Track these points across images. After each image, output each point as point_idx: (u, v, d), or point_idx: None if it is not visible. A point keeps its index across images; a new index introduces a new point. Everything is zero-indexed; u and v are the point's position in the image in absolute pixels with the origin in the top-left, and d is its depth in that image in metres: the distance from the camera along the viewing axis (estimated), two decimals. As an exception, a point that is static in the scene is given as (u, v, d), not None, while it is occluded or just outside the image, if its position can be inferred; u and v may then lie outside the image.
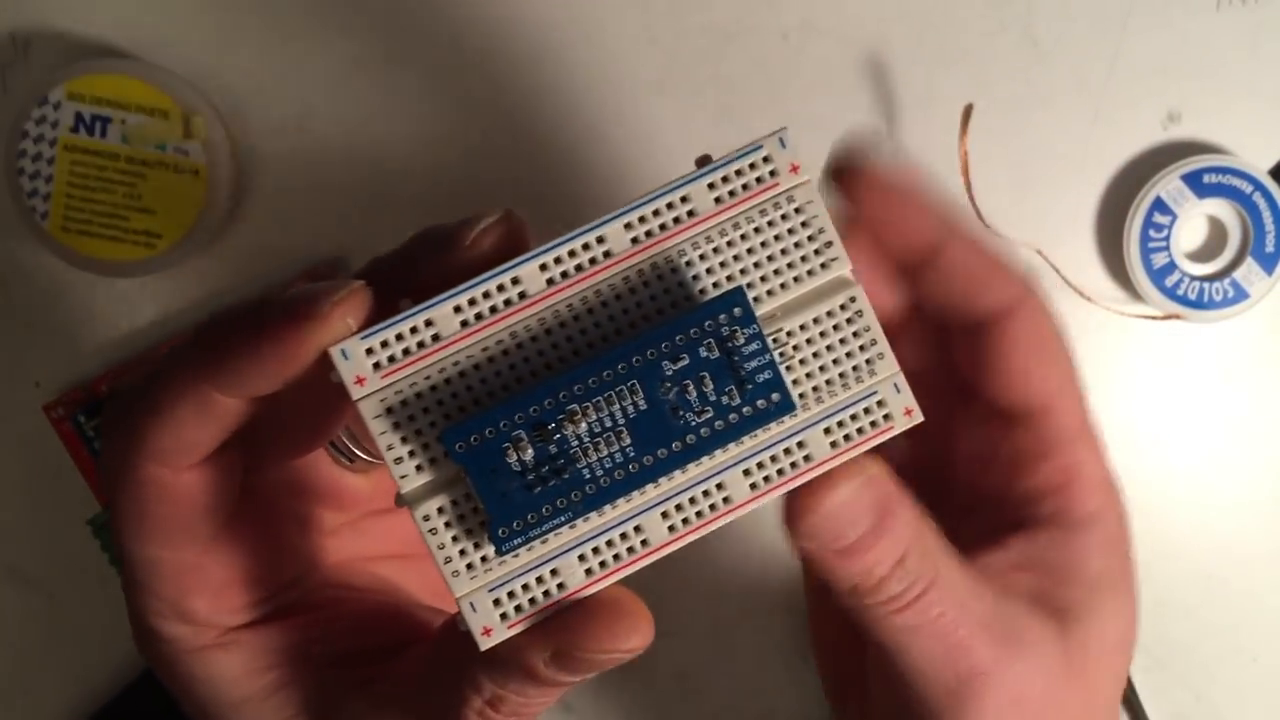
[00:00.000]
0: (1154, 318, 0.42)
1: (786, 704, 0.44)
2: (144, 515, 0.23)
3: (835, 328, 0.22)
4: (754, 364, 0.21)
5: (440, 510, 0.21)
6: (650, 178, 0.42)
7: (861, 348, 0.22)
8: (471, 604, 0.21)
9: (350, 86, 0.42)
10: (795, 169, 0.23)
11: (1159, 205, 0.41)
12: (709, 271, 0.22)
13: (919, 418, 0.23)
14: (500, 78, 0.42)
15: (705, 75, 0.42)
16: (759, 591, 0.44)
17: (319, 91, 0.42)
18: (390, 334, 0.21)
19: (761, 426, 0.21)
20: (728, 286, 0.22)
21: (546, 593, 0.22)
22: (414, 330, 0.21)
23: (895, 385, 0.22)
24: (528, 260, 0.22)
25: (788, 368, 0.22)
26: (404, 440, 0.21)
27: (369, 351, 0.21)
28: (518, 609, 0.22)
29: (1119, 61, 0.42)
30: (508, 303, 0.21)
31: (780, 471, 0.22)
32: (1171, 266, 0.41)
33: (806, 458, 0.22)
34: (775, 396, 0.21)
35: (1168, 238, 0.41)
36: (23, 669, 0.45)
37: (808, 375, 0.22)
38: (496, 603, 0.21)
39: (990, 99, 0.41)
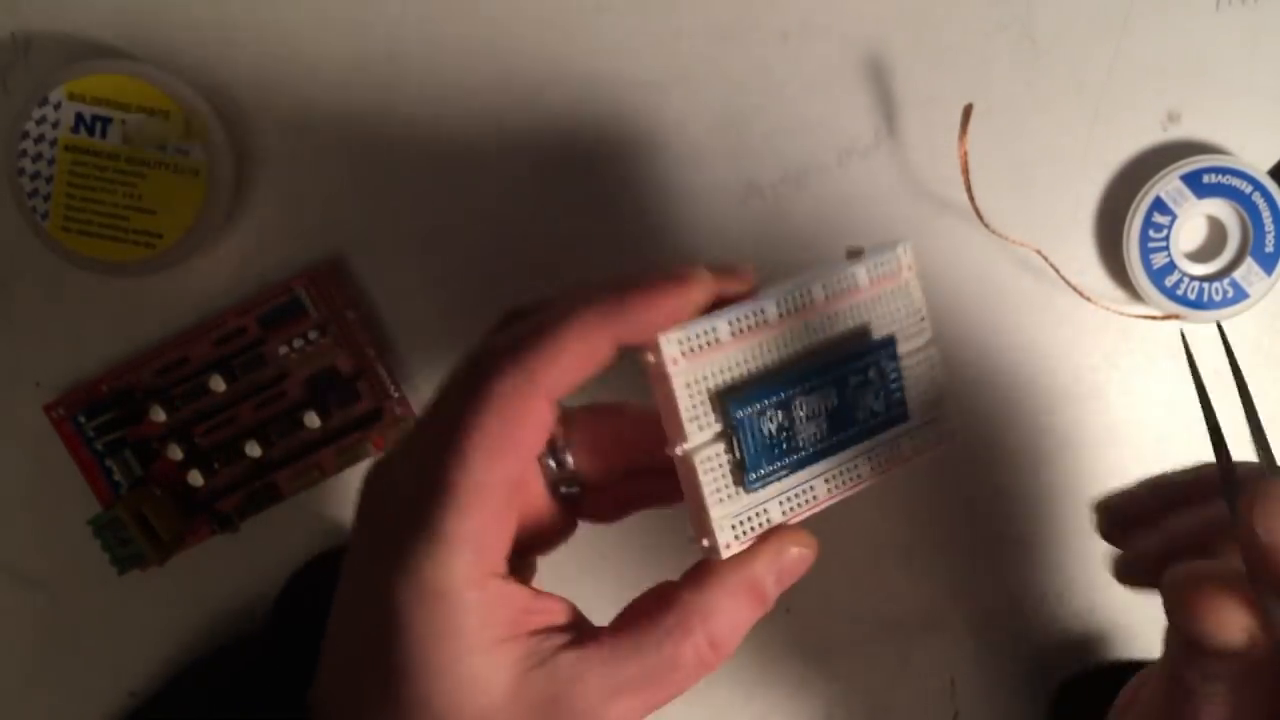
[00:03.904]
0: (1154, 318, 0.42)
1: (784, 703, 0.44)
2: (502, 434, 0.28)
3: (922, 368, 0.33)
4: (893, 384, 0.32)
5: (711, 457, 0.30)
6: (650, 176, 0.42)
7: (934, 384, 0.33)
8: (720, 526, 0.30)
9: (350, 86, 0.42)
10: (911, 268, 0.33)
11: (1159, 205, 0.41)
12: (865, 321, 0.32)
13: (957, 442, 0.33)
14: (500, 78, 0.42)
15: (705, 75, 0.42)
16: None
17: (319, 92, 0.42)
18: (692, 333, 0.29)
19: (890, 427, 0.32)
20: (883, 333, 0.32)
21: (756, 526, 0.30)
22: (704, 333, 0.29)
23: (950, 413, 0.33)
24: (769, 299, 0.31)
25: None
26: (693, 405, 0.29)
27: (678, 343, 0.29)
28: (740, 536, 0.30)
29: (1118, 62, 0.42)
30: (758, 324, 0.30)
31: (887, 460, 0.32)
32: (1171, 266, 0.41)
33: (899, 453, 0.32)
34: (900, 409, 0.32)
35: (1167, 238, 0.41)
36: (23, 668, 0.45)
37: (911, 396, 0.33)
38: (732, 528, 0.30)
39: (990, 99, 0.41)
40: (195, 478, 0.42)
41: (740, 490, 0.30)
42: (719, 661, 0.30)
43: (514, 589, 0.30)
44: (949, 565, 0.43)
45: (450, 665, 0.29)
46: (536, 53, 0.42)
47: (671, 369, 0.29)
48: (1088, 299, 0.42)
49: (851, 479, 0.32)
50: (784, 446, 0.30)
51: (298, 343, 0.42)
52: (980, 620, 0.43)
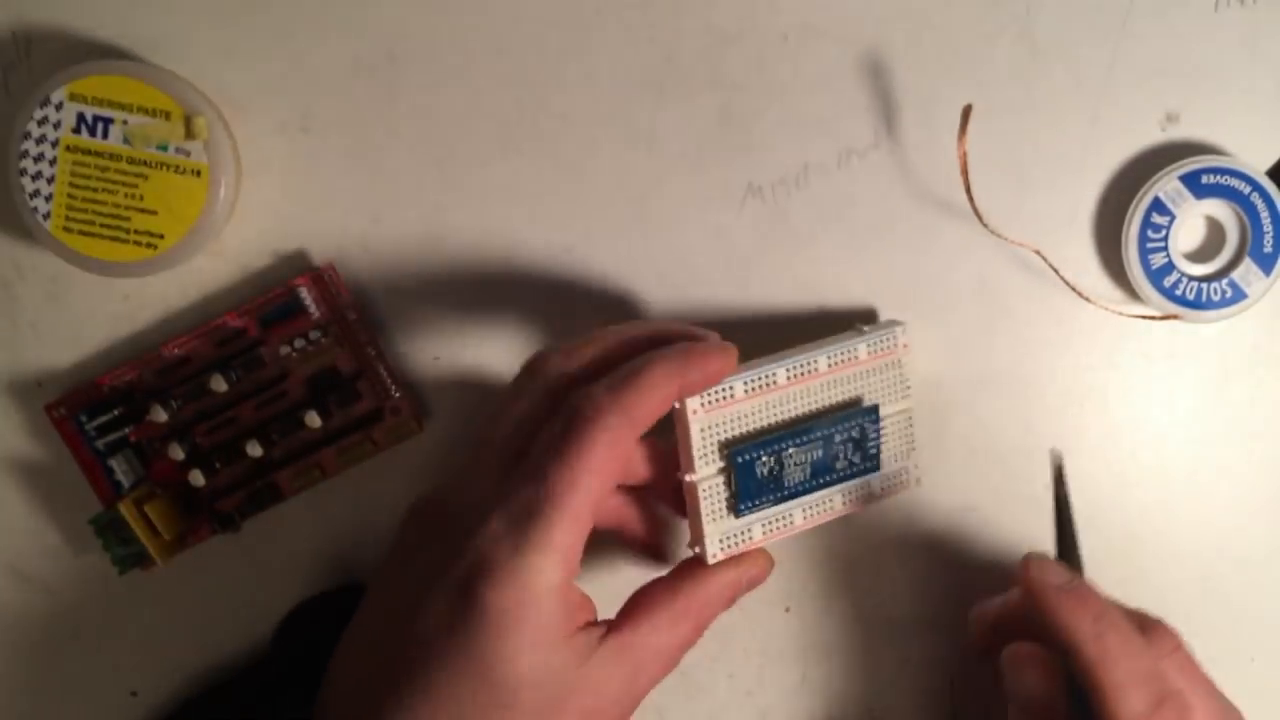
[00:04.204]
0: (1152, 318, 0.42)
1: (783, 702, 0.45)
2: (609, 457, 0.34)
3: (899, 426, 0.41)
4: (871, 442, 0.40)
5: (711, 487, 0.38)
6: (650, 177, 0.42)
7: (908, 439, 0.41)
8: (711, 539, 0.38)
9: (351, 87, 0.42)
10: (906, 346, 0.40)
11: (1157, 206, 0.41)
12: (859, 387, 0.40)
13: (923, 485, 0.42)
14: (501, 77, 0.42)
15: (705, 76, 0.42)
16: (758, 592, 0.44)
17: (320, 92, 0.42)
18: (712, 389, 0.37)
19: (862, 475, 0.40)
20: (871, 401, 0.40)
21: (740, 542, 0.38)
22: (722, 390, 0.37)
23: (915, 464, 0.42)
24: (779, 365, 0.38)
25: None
26: (704, 446, 0.37)
27: (700, 397, 0.37)
28: (725, 548, 0.38)
29: (1117, 63, 0.42)
30: (768, 385, 0.38)
31: (858, 499, 0.41)
32: (1170, 267, 0.42)
33: (870, 492, 0.41)
34: (873, 462, 0.40)
35: (1166, 238, 0.41)
36: (24, 668, 0.45)
37: (886, 449, 0.41)
38: (720, 541, 0.38)
39: (989, 100, 0.42)
40: (196, 477, 0.42)
41: (731, 515, 0.38)
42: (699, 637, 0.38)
43: (575, 590, 0.35)
44: (948, 565, 0.44)
45: (537, 659, 0.33)
46: (536, 53, 0.42)
47: (691, 417, 0.37)
48: (1086, 299, 0.42)
49: (825, 511, 0.40)
50: (771, 486, 0.38)
51: (299, 343, 0.42)
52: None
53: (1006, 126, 0.42)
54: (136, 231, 0.40)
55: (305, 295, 0.42)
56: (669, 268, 0.43)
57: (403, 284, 0.43)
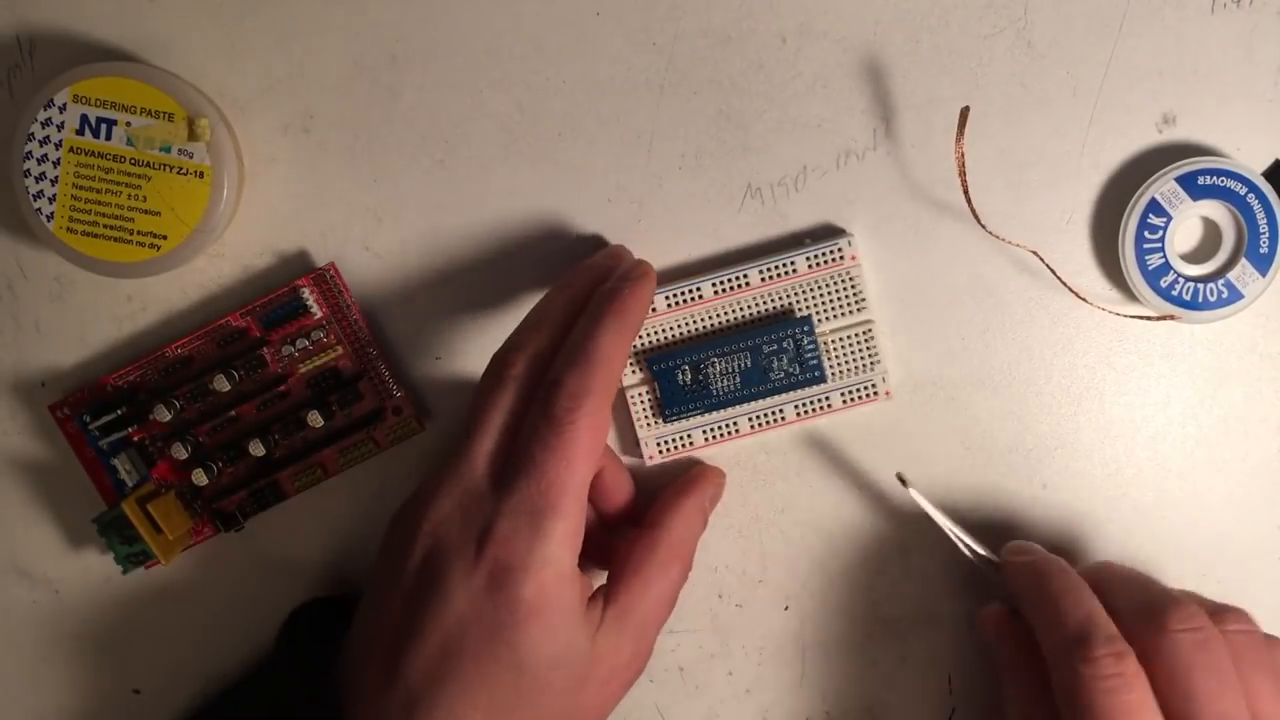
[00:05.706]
0: (1149, 318, 0.42)
1: (782, 700, 0.45)
2: (594, 437, 0.36)
3: (857, 339, 0.42)
4: (810, 354, 0.41)
5: (638, 395, 0.42)
6: (650, 178, 0.43)
7: (870, 352, 0.42)
8: (646, 443, 0.42)
9: (352, 88, 0.42)
10: (855, 258, 0.41)
11: (1154, 207, 0.41)
12: (796, 301, 0.41)
13: (893, 397, 0.42)
14: (502, 77, 0.42)
15: (704, 77, 0.42)
16: (757, 590, 0.44)
17: (321, 94, 0.43)
18: None
19: (808, 386, 0.41)
20: (803, 313, 0.41)
21: (681, 445, 0.42)
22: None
23: (883, 378, 0.42)
24: (706, 280, 0.41)
25: (827, 356, 0.42)
26: (629, 358, 0.40)
27: None
28: (664, 451, 0.42)
29: (1114, 64, 0.42)
30: (693, 299, 0.41)
31: (812, 409, 0.42)
32: (1166, 267, 0.42)
33: (828, 404, 0.42)
34: (817, 372, 0.41)
35: (1163, 239, 0.42)
36: (28, 666, 0.45)
37: (838, 361, 0.42)
38: (657, 445, 0.42)
39: (987, 102, 0.42)
40: (199, 477, 0.42)
41: (660, 421, 0.42)
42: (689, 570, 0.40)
43: (579, 570, 0.36)
44: (946, 563, 0.44)
45: (562, 641, 0.35)
46: (537, 54, 0.42)
47: None
48: (1083, 299, 0.42)
49: (774, 420, 0.42)
50: (696, 394, 0.41)
51: (300, 342, 0.42)
52: (977, 618, 0.44)
53: (1004, 128, 0.42)
54: (139, 232, 0.40)
55: (307, 295, 0.42)
56: (668, 267, 0.43)
57: (404, 284, 0.43)
